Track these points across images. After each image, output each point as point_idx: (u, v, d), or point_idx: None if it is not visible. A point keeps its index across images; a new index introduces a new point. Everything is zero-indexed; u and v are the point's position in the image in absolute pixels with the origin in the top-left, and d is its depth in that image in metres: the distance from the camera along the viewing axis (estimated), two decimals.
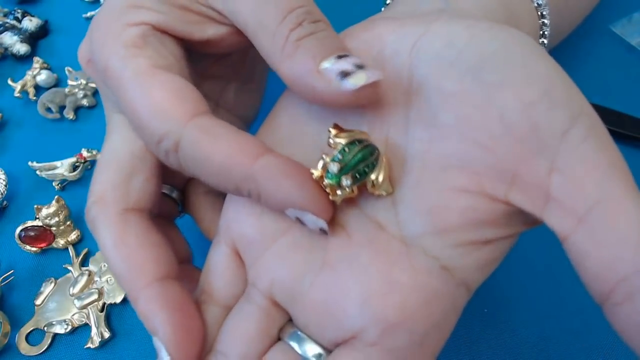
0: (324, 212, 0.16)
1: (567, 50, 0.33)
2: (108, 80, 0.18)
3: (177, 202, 0.24)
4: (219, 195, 0.24)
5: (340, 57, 0.16)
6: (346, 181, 0.17)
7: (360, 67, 0.16)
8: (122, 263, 0.18)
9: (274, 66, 0.17)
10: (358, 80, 0.16)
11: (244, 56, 0.24)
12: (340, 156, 0.17)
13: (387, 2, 0.27)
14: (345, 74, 0.16)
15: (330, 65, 0.16)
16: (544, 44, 0.25)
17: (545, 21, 0.25)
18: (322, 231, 0.17)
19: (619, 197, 0.14)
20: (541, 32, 0.25)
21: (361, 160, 0.17)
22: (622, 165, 0.15)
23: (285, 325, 0.18)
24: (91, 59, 0.20)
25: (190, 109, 0.17)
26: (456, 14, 0.20)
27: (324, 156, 0.17)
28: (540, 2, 0.24)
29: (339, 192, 0.17)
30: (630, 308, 0.13)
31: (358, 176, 0.17)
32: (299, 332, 0.18)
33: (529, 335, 0.26)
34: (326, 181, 0.17)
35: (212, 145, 0.16)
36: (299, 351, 0.17)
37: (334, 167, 0.17)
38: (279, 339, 0.18)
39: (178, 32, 0.19)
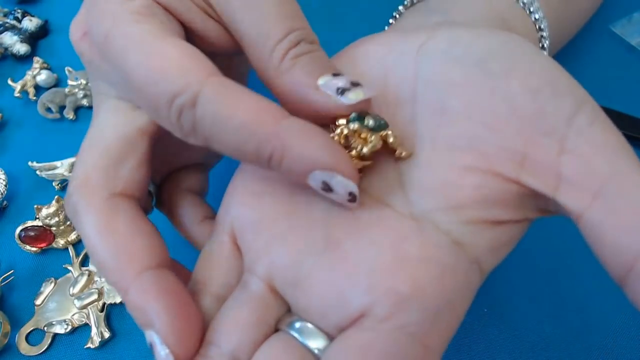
0: (353, 174, 0.16)
1: (567, 50, 0.33)
2: (109, 50, 0.17)
3: (152, 196, 0.23)
4: (198, 195, 0.23)
5: (335, 75, 0.17)
6: (370, 121, 0.17)
7: (355, 84, 0.17)
8: (109, 251, 0.17)
9: (266, 79, 0.18)
10: (357, 95, 0.17)
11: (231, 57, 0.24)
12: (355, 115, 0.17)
13: (391, 21, 0.28)
14: (343, 90, 0.17)
15: (327, 82, 0.17)
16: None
17: (544, 34, 0.25)
18: (352, 197, 0.16)
19: (630, 172, 0.14)
20: (540, 45, 0.25)
21: (376, 117, 0.17)
22: (628, 146, 0.15)
23: (283, 315, 0.17)
24: (87, 31, 0.19)
25: (209, 68, 0.16)
26: (457, 24, 0.21)
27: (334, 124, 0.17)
28: (537, 16, 0.25)
29: (364, 149, 0.17)
30: None
31: (378, 123, 0.17)
32: (301, 322, 0.17)
33: (529, 335, 0.26)
34: (351, 125, 0.17)
35: (235, 101, 0.15)
36: (302, 341, 0.16)
37: (355, 114, 0.17)
38: (276, 330, 0.17)
39: (180, 15, 0.18)
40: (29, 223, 0.29)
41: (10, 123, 0.36)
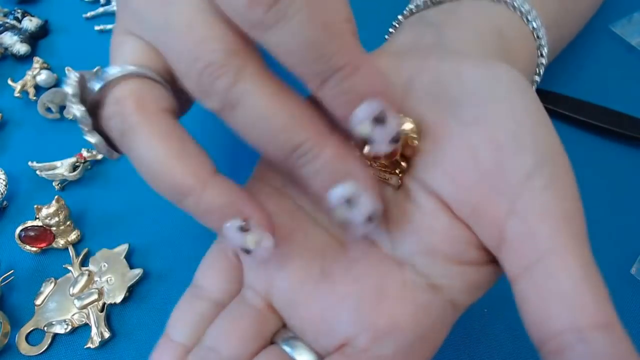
0: (377, 197, 0.16)
1: (567, 50, 0.33)
2: None
3: None
4: None
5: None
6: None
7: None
8: (177, 155, 0.16)
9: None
10: (382, 151, 0.17)
11: None
12: None
13: (390, 30, 0.28)
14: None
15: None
16: (542, 64, 0.26)
17: (542, 42, 0.25)
18: (371, 219, 0.16)
19: (566, 252, 0.15)
20: (539, 53, 0.26)
21: None
22: (577, 216, 0.15)
23: (279, 330, 0.19)
24: None
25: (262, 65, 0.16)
26: (449, 49, 0.22)
27: None
28: (535, 24, 0.25)
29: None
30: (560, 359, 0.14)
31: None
32: (294, 338, 0.18)
33: (529, 335, 0.26)
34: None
35: (280, 98, 0.15)
36: (294, 356, 0.18)
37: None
38: (272, 342, 0.18)
39: None
40: (29, 223, 0.29)
41: (10, 123, 0.36)
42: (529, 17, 0.24)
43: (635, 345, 0.26)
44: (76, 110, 0.17)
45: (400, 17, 0.27)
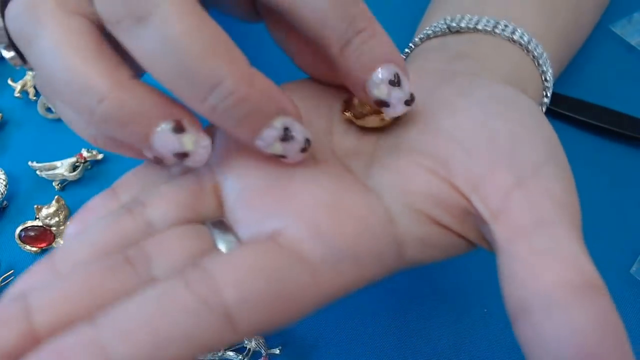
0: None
1: None
2: None
3: None
4: None
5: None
6: None
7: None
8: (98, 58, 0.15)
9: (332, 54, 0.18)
10: (397, 112, 0.18)
11: None
12: None
13: (407, 50, 0.28)
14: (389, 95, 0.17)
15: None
16: (545, 103, 0.27)
17: (548, 85, 0.26)
18: (307, 144, 0.16)
19: (569, 228, 0.15)
20: (544, 94, 0.27)
21: None
22: (578, 213, 0.16)
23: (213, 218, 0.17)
24: None
25: None
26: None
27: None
28: (545, 68, 0.26)
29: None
30: (558, 318, 0.14)
31: None
32: (225, 225, 0.17)
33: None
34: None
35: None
36: (215, 237, 0.16)
37: None
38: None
39: None
40: (29, 223, 0.29)
41: (10, 123, 0.36)
42: (540, 62, 0.26)
43: (635, 346, 0.26)
44: None
45: (417, 39, 0.27)
